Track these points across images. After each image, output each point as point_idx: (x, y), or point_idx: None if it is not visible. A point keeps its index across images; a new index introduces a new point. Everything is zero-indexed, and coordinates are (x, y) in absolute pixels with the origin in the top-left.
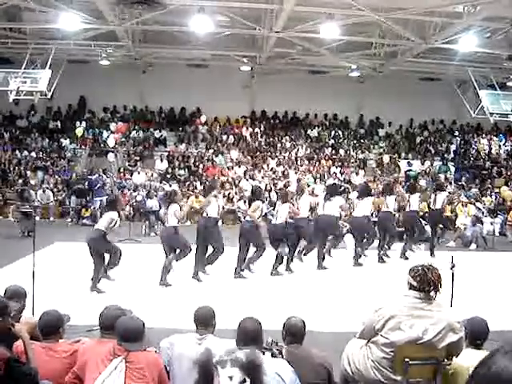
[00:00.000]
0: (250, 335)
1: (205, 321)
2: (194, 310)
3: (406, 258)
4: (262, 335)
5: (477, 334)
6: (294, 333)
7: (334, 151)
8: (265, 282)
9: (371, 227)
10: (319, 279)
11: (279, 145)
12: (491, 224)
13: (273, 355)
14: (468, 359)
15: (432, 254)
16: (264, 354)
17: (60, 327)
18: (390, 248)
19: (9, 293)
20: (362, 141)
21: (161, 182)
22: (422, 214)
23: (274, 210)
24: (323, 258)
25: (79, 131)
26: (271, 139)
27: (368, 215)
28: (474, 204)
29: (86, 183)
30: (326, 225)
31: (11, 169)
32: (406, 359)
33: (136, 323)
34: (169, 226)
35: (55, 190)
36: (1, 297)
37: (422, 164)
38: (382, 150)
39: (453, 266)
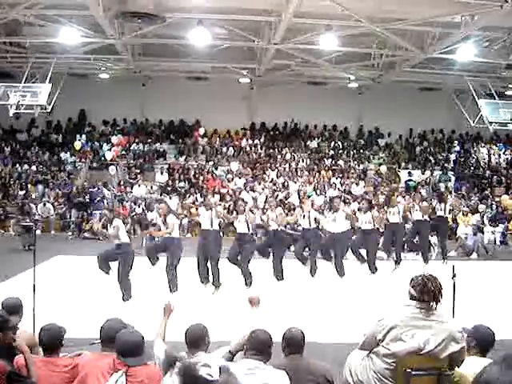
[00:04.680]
0: (258, 346)
1: (195, 342)
2: (185, 330)
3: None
4: (271, 349)
5: (487, 342)
6: (295, 344)
7: (333, 162)
8: (264, 293)
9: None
10: (319, 290)
11: (279, 156)
12: (492, 233)
13: None
14: (473, 367)
15: (425, 261)
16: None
17: (61, 341)
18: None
19: (6, 306)
20: (361, 151)
21: (161, 195)
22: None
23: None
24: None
25: (77, 145)
26: (271, 151)
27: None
28: (478, 212)
29: (87, 196)
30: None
31: (12, 183)
32: (408, 370)
33: (135, 337)
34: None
35: (56, 203)
36: (1, 311)
37: (423, 174)
38: (381, 161)
39: (454, 276)
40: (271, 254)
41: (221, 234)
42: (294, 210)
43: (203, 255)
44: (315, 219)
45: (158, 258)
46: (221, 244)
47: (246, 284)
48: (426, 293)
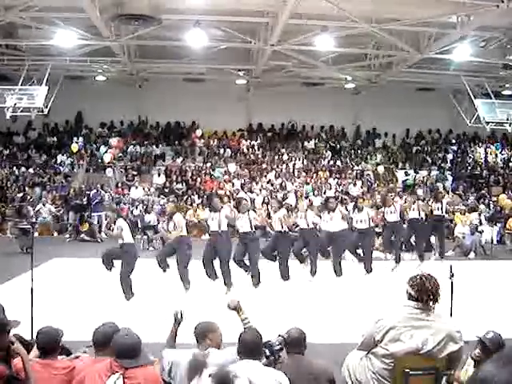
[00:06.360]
0: (249, 347)
1: (201, 335)
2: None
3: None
4: (261, 347)
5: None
6: (296, 344)
7: (331, 163)
8: (264, 294)
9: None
10: (318, 290)
11: (276, 157)
12: (487, 233)
13: (267, 357)
14: None
15: (421, 260)
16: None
17: (59, 343)
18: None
19: None
20: (358, 152)
21: (159, 197)
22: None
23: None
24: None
25: (74, 147)
26: (268, 152)
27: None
28: (476, 211)
29: (85, 199)
30: None
31: (9, 185)
32: (407, 370)
33: (132, 339)
34: None
35: (53, 206)
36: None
37: (416, 173)
38: (378, 161)
39: (452, 276)
40: (277, 257)
41: (229, 234)
42: (292, 211)
43: (210, 257)
44: (313, 222)
45: (168, 266)
46: (231, 245)
47: (253, 284)
48: (424, 292)
